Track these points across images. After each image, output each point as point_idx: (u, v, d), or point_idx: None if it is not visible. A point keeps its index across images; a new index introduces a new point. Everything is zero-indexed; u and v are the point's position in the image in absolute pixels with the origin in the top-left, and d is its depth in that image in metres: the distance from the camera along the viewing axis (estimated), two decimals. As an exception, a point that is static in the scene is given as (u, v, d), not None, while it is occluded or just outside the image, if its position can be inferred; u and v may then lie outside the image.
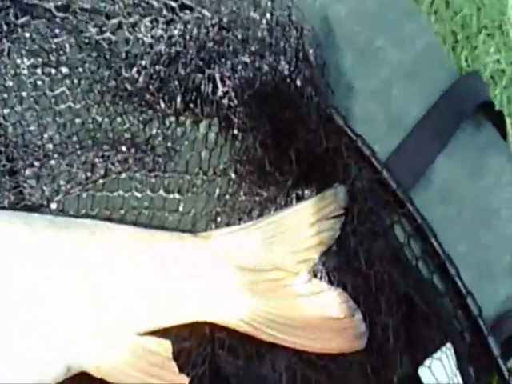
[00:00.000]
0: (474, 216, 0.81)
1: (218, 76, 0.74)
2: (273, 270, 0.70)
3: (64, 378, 0.61)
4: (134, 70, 0.73)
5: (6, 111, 0.72)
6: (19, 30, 0.72)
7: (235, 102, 0.74)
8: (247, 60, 0.75)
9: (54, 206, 0.70)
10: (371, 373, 0.69)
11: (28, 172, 0.69)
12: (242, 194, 0.74)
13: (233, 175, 0.74)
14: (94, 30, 0.74)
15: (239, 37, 0.75)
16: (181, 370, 0.65)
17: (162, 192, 0.73)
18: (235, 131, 0.75)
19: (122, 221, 0.71)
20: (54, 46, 0.74)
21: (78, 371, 0.62)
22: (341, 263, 0.72)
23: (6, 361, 0.59)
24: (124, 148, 0.73)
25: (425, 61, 0.85)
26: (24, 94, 0.72)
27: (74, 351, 0.61)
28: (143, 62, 0.73)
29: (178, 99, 0.75)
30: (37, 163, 0.69)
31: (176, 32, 0.75)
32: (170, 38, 0.74)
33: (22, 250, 0.64)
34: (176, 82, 0.75)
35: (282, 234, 0.71)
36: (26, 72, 0.73)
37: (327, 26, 0.83)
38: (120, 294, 0.65)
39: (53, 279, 0.63)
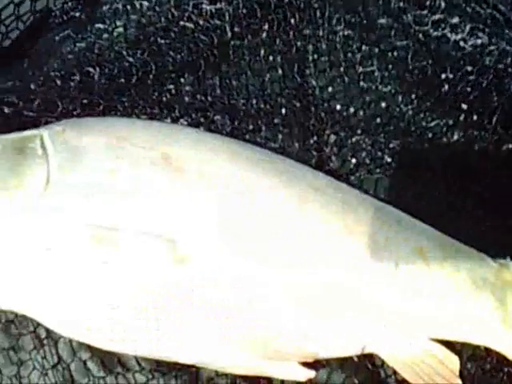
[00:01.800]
0: None
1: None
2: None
3: (358, 354, 0.62)
4: (459, 74, 0.67)
5: (315, 71, 0.67)
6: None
7: None
8: None
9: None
10: None
11: (331, 138, 0.65)
12: None
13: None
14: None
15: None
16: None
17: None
18: None
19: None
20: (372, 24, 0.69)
21: (370, 352, 0.62)
22: None
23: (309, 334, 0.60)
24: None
25: None
26: (334, 60, 0.68)
27: (371, 336, 0.61)
28: (468, 69, 0.67)
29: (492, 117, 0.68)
30: (341, 133, 0.64)
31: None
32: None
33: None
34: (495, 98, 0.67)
35: None
36: (339, 40, 0.68)
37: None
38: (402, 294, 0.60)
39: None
